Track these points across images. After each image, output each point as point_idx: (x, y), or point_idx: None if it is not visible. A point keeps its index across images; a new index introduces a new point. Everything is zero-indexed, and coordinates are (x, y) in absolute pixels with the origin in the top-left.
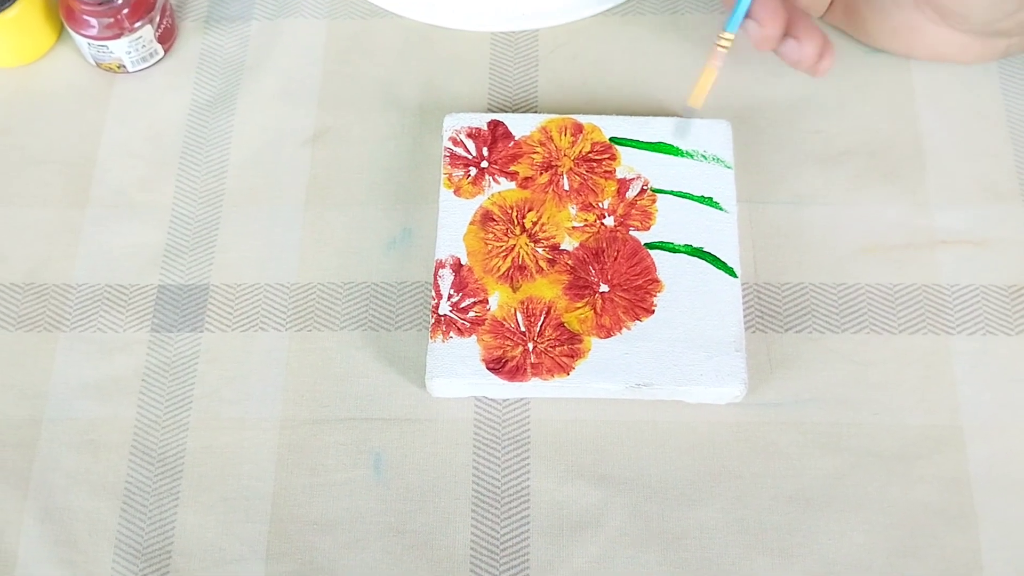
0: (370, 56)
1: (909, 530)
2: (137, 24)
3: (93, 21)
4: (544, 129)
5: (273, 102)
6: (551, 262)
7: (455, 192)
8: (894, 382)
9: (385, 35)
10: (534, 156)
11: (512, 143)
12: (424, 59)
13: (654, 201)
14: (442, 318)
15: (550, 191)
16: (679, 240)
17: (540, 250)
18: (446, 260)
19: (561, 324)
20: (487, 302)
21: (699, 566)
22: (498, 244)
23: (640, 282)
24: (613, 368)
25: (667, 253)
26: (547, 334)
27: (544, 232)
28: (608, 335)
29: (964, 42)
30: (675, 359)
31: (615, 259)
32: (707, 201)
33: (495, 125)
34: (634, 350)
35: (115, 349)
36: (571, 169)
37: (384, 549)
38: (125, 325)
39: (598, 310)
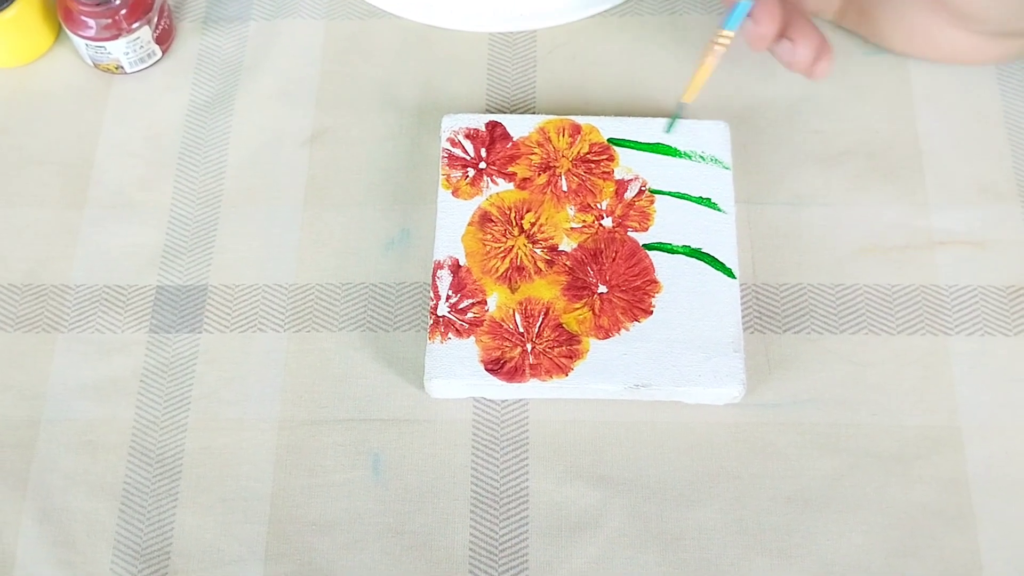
0: (368, 57)
1: (908, 530)
2: (135, 25)
3: (91, 22)
4: (542, 130)
5: (271, 103)
6: (549, 263)
7: (453, 193)
8: (893, 383)
9: (383, 36)
10: (532, 157)
11: (510, 144)
12: (422, 60)
13: (652, 202)
14: (440, 319)
15: (548, 192)
16: (677, 241)
17: (538, 251)
18: (444, 261)
19: (559, 325)
20: (485, 303)
21: (698, 566)
22: (496, 245)
23: (638, 283)
24: (611, 369)
25: (665, 254)
26: (546, 335)
27: (542, 233)
28: (606, 336)
29: (979, 44)
30: (673, 360)
31: (613, 260)
32: (705, 202)
33: (493, 126)
34: (632, 351)
35: (113, 350)
36: (569, 170)
37: (383, 550)
38: (123, 326)
39: (596, 311)
